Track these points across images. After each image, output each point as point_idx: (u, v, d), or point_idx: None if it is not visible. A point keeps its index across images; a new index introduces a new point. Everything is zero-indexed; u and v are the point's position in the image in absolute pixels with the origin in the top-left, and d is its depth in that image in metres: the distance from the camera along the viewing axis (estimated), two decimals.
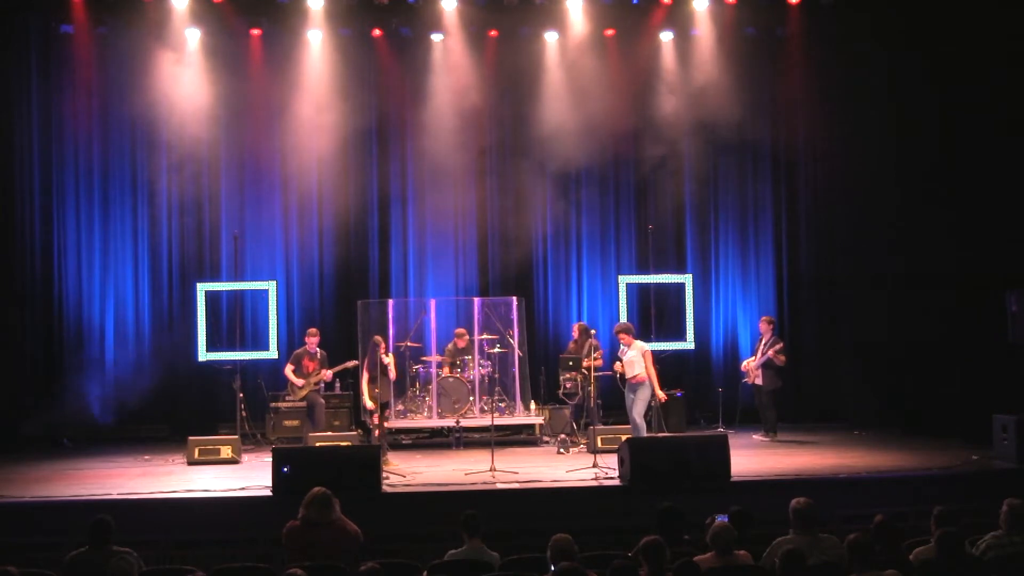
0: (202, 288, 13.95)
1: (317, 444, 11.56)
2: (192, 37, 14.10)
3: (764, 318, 13.55)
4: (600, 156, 14.87)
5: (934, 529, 6.73)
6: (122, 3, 13.91)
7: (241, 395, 12.86)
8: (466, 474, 10.55)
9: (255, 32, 14.42)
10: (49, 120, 14.11)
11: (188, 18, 13.96)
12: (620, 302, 14.53)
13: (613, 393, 12.67)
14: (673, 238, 15.31)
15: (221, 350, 13.72)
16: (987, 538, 6.84)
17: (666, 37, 14.89)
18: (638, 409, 11.54)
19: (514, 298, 13.75)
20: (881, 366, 14.22)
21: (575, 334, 13.43)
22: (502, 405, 13.19)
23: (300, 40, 14.37)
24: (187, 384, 14.24)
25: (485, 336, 13.36)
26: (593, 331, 12.73)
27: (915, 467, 10.64)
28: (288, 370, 13.02)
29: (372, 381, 11.42)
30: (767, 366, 13.07)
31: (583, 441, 12.47)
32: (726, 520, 6.83)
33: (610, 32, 14.80)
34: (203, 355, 13.79)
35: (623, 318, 13.89)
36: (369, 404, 11.54)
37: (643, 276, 14.74)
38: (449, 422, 12.96)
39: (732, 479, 9.72)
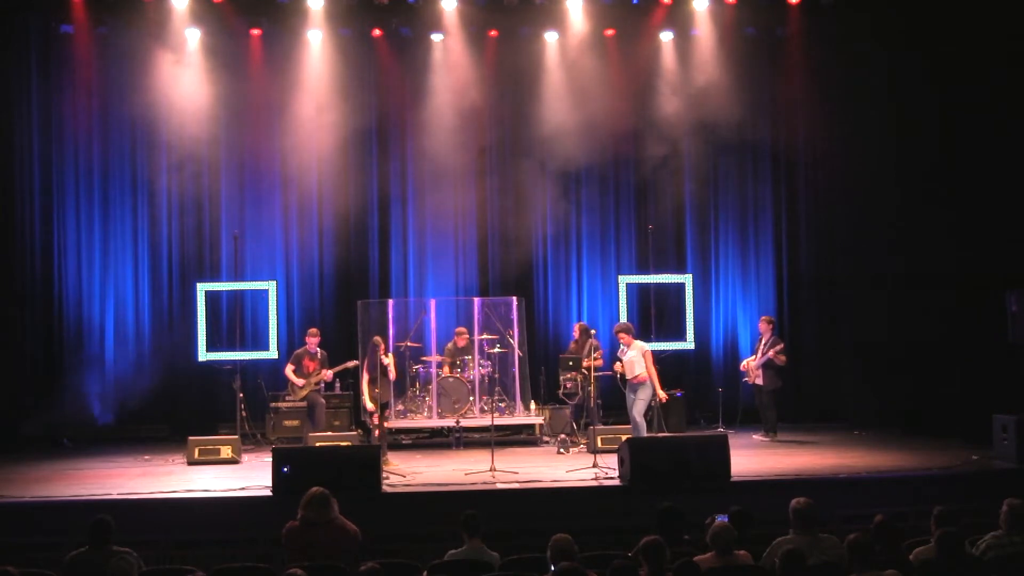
0: (202, 288, 13.95)
1: (317, 444, 11.57)
2: (192, 37, 14.10)
3: (764, 318, 13.55)
4: (600, 156, 14.87)
5: (934, 529, 6.73)
6: (122, 3, 13.91)
7: (241, 395, 12.86)
8: (466, 474, 10.55)
9: (255, 32, 14.42)
10: (49, 120, 14.11)
11: (188, 18, 13.96)
12: (620, 302, 14.53)
13: (613, 393, 12.67)
14: (673, 238, 15.31)
15: (221, 350, 13.72)
16: (987, 538, 6.84)
17: (666, 37, 14.89)
18: (639, 409, 11.54)
19: (514, 298, 13.74)
20: (881, 366, 14.21)
21: (576, 334, 13.42)
22: (502, 405, 13.19)
23: (300, 40, 14.37)
24: (187, 384, 14.24)
25: (485, 336, 13.36)
26: (593, 331, 12.73)
27: (915, 467, 10.63)
28: (288, 370, 13.02)
29: (372, 382, 11.41)
30: (767, 366, 13.07)
31: (583, 441, 12.47)
32: (726, 520, 6.83)
33: (610, 32, 14.80)
34: (203, 355, 13.79)
35: (623, 318, 13.89)
36: (370, 405, 11.54)
37: (643, 276, 14.74)
38: (449, 422, 12.96)
39: (732, 479, 9.72)
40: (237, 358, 13.21)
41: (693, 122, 14.69)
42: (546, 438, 13.14)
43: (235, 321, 13.57)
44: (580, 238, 15.28)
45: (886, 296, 14.35)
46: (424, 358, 13.49)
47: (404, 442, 13.21)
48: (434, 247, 14.95)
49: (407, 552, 7.97)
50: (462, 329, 13.61)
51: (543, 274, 15.23)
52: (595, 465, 10.64)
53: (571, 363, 12.82)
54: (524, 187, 14.91)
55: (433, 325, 13.66)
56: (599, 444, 11.33)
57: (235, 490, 9.90)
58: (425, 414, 13.26)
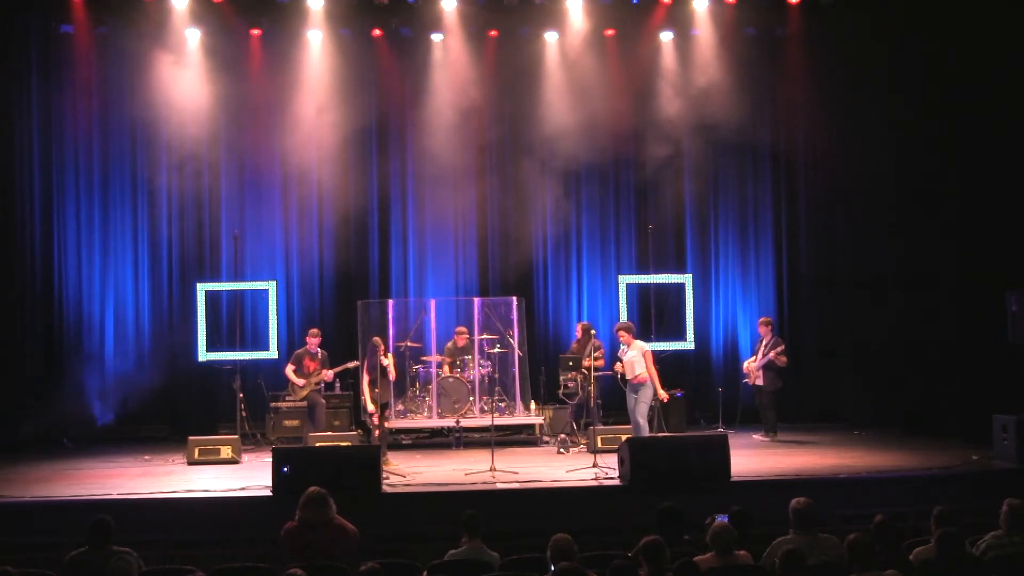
0: (202, 288, 13.95)
1: (317, 444, 11.57)
2: (192, 37, 14.09)
3: (762, 320, 13.53)
4: (600, 156, 14.87)
5: (934, 529, 6.73)
6: (122, 3, 13.90)
7: (241, 395, 12.87)
8: (466, 474, 10.56)
9: (255, 32, 14.42)
10: (49, 120, 14.11)
11: (188, 18, 13.95)
12: (620, 302, 14.53)
13: (613, 393, 12.67)
14: (673, 238, 15.31)
15: (221, 350, 13.72)
16: (987, 538, 6.84)
17: (666, 37, 14.89)
18: (641, 411, 11.49)
19: (514, 298, 13.74)
20: (881, 366, 14.22)
21: (578, 334, 13.41)
22: (502, 405, 13.19)
23: (300, 40, 14.37)
24: (187, 384, 14.25)
25: (485, 336, 13.36)
26: (593, 331, 12.73)
27: (915, 467, 10.64)
28: (289, 370, 13.01)
29: (372, 383, 11.41)
30: (768, 367, 13.07)
31: (583, 441, 12.47)
32: (726, 520, 6.83)
33: (610, 32, 14.80)
34: (203, 355, 13.79)
35: (623, 318, 13.89)
36: (370, 407, 11.53)
37: (643, 276, 14.74)
38: (449, 422, 12.96)
39: (732, 479, 9.72)
40: (237, 358, 13.21)
41: (693, 122, 14.68)
42: (546, 438, 13.14)
43: (235, 321, 13.56)
44: (580, 238, 15.28)
45: (886, 296, 14.35)
46: (424, 358, 13.49)
47: (404, 442, 13.21)
48: (434, 247, 14.95)
49: (407, 552, 7.96)
50: (462, 329, 13.61)
51: (543, 274, 15.23)
52: (595, 465, 10.64)
53: (571, 363, 12.81)
54: (524, 187, 14.91)
55: (433, 325, 13.66)
56: (599, 444, 11.33)
57: (235, 490, 9.90)
58: (425, 414, 13.25)
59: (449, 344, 13.68)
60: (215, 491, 9.91)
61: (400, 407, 13.19)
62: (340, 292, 14.78)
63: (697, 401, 14.54)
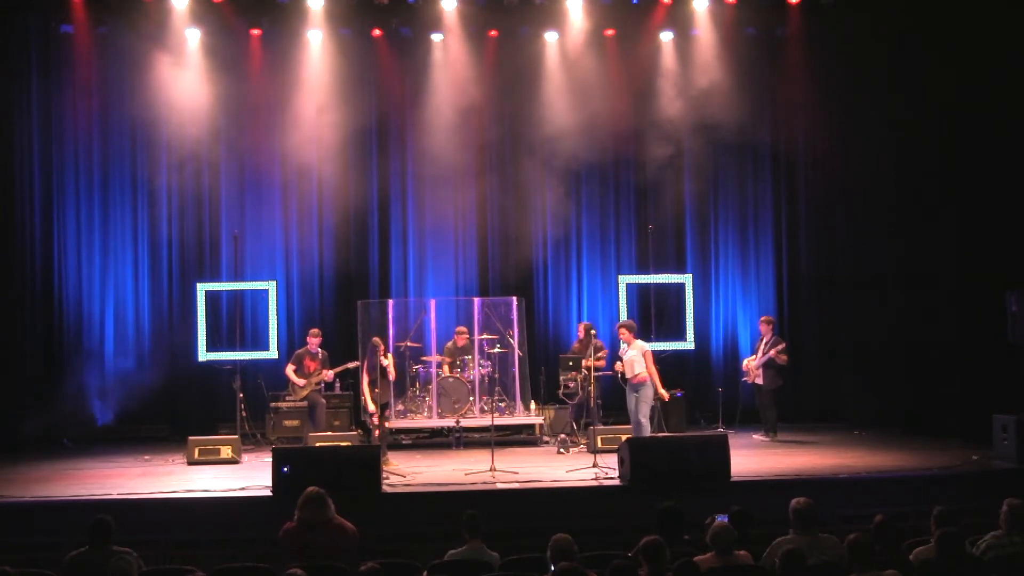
0: (202, 288, 13.95)
1: (317, 444, 11.57)
2: (192, 37, 14.09)
3: (763, 318, 13.55)
4: (600, 156, 14.87)
5: (934, 529, 6.73)
6: (122, 3, 13.90)
7: (241, 395, 12.86)
8: (466, 474, 10.55)
9: (255, 32, 14.42)
10: (49, 120, 14.11)
11: (188, 18, 13.95)
12: (620, 302, 14.53)
13: (614, 393, 12.67)
14: (673, 238, 15.31)
15: (221, 350, 13.72)
16: (987, 538, 6.84)
17: (666, 37, 14.88)
18: (643, 411, 11.47)
19: (514, 298, 13.74)
20: (881, 366, 14.22)
21: (580, 334, 13.41)
22: (502, 405, 13.19)
23: (300, 40, 14.37)
24: (187, 384, 14.25)
25: (485, 336, 13.36)
26: (593, 331, 12.73)
27: (915, 467, 10.64)
28: (289, 370, 13.01)
29: (372, 383, 11.41)
30: (768, 365, 13.07)
31: (583, 441, 12.47)
32: (726, 520, 6.83)
33: (610, 32, 14.80)
34: (203, 355, 13.80)
35: (624, 318, 13.88)
36: (371, 407, 11.53)
37: (643, 276, 14.74)
38: (449, 422, 12.96)
39: (732, 479, 9.72)
40: (237, 358, 13.21)
41: (693, 122, 14.67)
42: (546, 438, 13.14)
43: (235, 321, 13.57)
44: (580, 238, 15.28)
45: (886, 296, 14.35)
46: (424, 358, 13.49)
47: (404, 442, 13.21)
48: (434, 247, 14.95)
49: (407, 552, 7.96)
50: (462, 329, 13.61)
51: (543, 274, 15.23)
52: (595, 465, 10.64)
53: (571, 363, 12.82)
54: (524, 187, 14.92)
55: (433, 325, 13.66)
56: (599, 444, 11.33)
57: (235, 490, 9.90)
58: (425, 414, 13.25)
59: (449, 344, 13.68)
60: (215, 491, 9.91)
61: (400, 407, 13.19)
62: (340, 292, 14.78)
63: (697, 401, 14.54)
